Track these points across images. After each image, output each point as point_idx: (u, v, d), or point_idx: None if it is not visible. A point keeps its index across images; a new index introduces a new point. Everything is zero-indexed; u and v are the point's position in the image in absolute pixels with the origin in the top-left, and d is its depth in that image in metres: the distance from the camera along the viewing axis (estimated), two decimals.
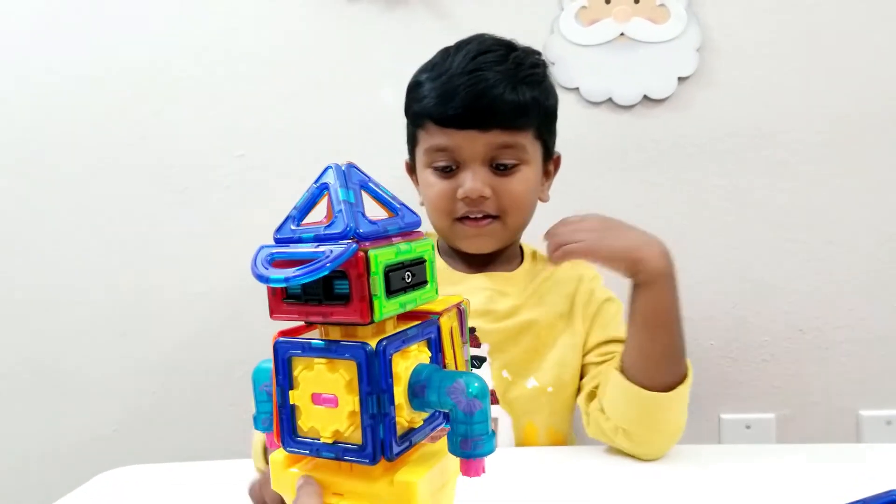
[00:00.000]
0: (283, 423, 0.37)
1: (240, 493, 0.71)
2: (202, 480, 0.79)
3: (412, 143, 0.93)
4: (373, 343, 0.34)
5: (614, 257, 0.79)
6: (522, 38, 1.17)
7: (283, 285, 0.33)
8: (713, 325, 1.23)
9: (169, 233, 1.28)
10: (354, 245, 0.34)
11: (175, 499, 0.74)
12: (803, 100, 1.18)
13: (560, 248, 0.78)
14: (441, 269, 0.92)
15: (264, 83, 1.24)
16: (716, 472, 0.73)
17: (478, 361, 0.89)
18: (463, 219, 0.87)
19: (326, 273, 0.33)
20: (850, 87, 1.17)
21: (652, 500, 0.68)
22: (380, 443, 0.35)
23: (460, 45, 0.88)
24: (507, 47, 0.88)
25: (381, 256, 0.35)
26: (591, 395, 0.85)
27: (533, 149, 0.88)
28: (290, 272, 0.32)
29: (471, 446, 0.35)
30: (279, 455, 0.39)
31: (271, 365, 0.37)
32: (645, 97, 1.19)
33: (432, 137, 0.87)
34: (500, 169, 0.86)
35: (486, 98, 0.82)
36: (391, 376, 0.35)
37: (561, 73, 1.19)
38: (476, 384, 0.35)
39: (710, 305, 1.23)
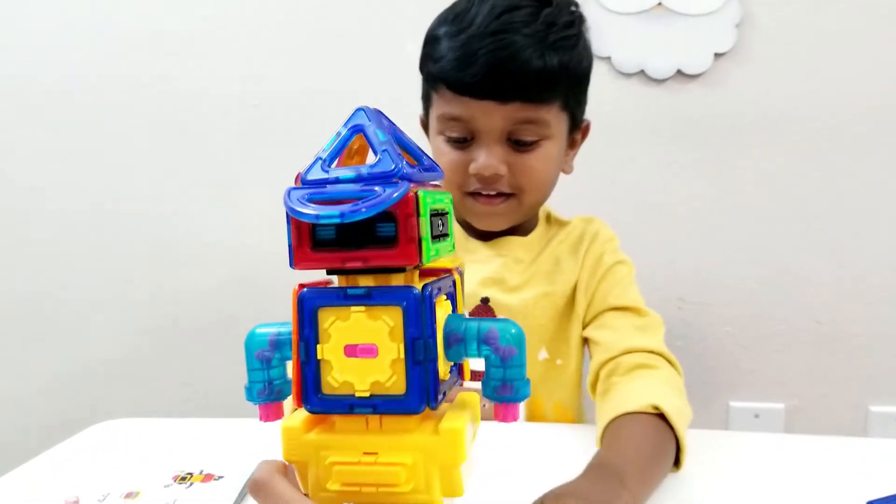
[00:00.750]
0: (307, 382, 0.35)
1: (233, 451, 0.70)
2: (196, 435, 0.78)
3: (426, 101, 0.86)
4: (419, 287, 0.33)
5: None
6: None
7: (337, 222, 0.31)
8: (730, 311, 1.21)
9: (179, 179, 1.27)
10: (408, 184, 0.32)
11: (168, 451, 0.73)
12: (843, 85, 1.15)
13: None
14: (455, 233, 0.87)
15: (283, 36, 1.21)
16: (722, 459, 0.71)
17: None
18: (475, 194, 0.81)
19: (388, 206, 0.31)
20: (889, 74, 1.14)
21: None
22: (426, 391, 0.34)
23: None
24: (539, 1, 0.78)
25: (429, 199, 0.34)
26: (593, 386, 0.80)
27: (557, 122, 0.80)
28: (344, 208, 0.30)
29: (508, 391, 0.36)
30: (294, 421, 0.37)
31: (269, 329, 0.37)
32: (679, 72, 1.16)
33: (446, 104, 0.79)
34: (519, 145, 0.79)
35: (509, 66, 0.74)
36: (436, 322, 0.34)
37: (593, 41, 1.14)
38: (513, 331, 0.36)
39: (727, 291, 1.21)
